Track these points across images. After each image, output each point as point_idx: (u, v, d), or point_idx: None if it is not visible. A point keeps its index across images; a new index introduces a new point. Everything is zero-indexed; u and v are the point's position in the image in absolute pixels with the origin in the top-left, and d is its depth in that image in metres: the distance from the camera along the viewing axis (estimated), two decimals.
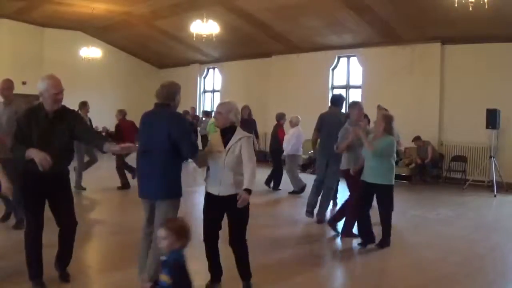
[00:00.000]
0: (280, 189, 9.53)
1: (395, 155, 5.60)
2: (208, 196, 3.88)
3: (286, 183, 9.49)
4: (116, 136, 9.11)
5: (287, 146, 9.29)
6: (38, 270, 3.73)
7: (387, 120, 5.45)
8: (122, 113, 9.42)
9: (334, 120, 6.76)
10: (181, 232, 2.72)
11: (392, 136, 5.45)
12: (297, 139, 9.24)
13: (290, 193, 9.19)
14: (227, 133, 3.82)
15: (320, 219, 6.81)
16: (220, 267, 3.99)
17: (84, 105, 8.72)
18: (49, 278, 3.85)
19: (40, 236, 3.74)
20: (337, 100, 7.19)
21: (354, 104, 6.30)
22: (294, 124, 9.44)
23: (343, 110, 7.62)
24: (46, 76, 3.70)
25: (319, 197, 7.00)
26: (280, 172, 9.70)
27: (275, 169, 9.77)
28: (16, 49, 15.57)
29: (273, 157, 9.99)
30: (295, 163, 9.34)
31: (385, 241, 5.49)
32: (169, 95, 3.79)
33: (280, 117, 9.92)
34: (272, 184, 9.71)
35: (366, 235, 5.47)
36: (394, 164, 5.51)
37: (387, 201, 5.49)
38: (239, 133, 3.81)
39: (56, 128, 3.69)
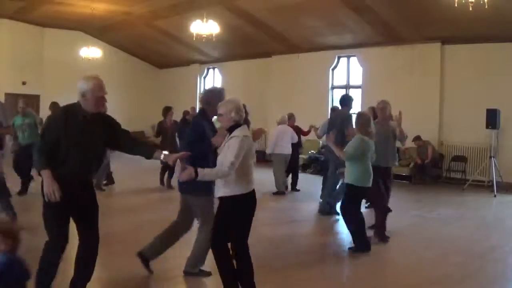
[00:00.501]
0: (298, 190, 9.46)
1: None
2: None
3: (301, 182, 9.63)
4: None
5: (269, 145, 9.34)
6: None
7: (359, 121, 5.43)
8: None
9: (336, 121, 6.98)
10: (6, 234, 2.64)
11: (367, 136, 5.32)
12: (277, 138, 9.14)
13: (274, 193, 9.03)
14: (228, 133, 3.72)
15: (322, 209, 7.30)
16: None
17: None
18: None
19: (62, 252, 3.36)
20: (342, 101, 7.49)
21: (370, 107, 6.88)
22: (279, 123, 9.42)
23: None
24: (91, 76, 3.41)
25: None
26: (295, 173, 9.68)
27: (288, 169, 9.55)
28: (16, 49, 15.57)
29: None
30: (280, 162, 9.12)
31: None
32: (205, 100, 4.24)
33: (289, 118, 9.83)
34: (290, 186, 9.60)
35: (360, 241, 5.39)
36: (369, 166, 5.33)
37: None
38: (235, 132, 3.59)
39: (93, 132, 3.41)
